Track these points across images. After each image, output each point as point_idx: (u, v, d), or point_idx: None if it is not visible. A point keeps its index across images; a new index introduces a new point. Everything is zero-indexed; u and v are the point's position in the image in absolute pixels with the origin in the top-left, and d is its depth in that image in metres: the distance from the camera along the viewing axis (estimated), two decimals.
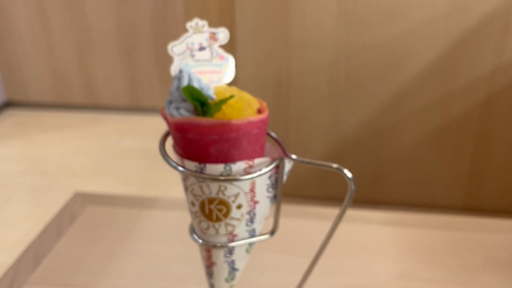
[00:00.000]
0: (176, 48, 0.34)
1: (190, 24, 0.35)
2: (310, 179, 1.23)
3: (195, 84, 0.31)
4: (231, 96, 0.30)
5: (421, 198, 1.22)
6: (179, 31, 2.11)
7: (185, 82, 0.31)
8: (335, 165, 0.33)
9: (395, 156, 1.18)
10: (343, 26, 1.07)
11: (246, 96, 0.32)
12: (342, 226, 0.54)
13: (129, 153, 2.00)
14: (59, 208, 0.58)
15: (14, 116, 2.43)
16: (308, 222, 0.55)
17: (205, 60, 0.35)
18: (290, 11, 1.06)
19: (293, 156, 0.34)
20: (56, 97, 2.44)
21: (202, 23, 0.35)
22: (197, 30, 0.35)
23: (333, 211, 0.58)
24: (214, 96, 0.32)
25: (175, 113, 0.31)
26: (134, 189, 1.70)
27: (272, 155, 0.35)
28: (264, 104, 0.34)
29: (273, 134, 0.36)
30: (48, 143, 2.11)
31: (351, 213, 0.57)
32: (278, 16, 1.07)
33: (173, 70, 0.35)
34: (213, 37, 0.35)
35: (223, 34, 0.36)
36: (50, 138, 2.15)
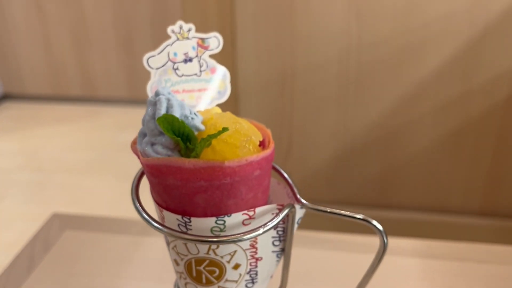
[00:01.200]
0: (153, 60, 0.26)
1: (172, 29, 0.27)
2: (317, 181, 1.16)
3: (176, 112, 0.23)
4: (225, 129, 0.22)
5: (434, 202, 1.14)
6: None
7: (162, 109, 0.23)
8: (360, 216, 0.25)
9: (408, 157, 1.10)
10: (354, 18, 0.98)
11: (245, 125, 0.24)
12: (360, 257, 0.47)
13: (127, 148, 1.94)
14: (32, 234, 0.51)
15: (11, 109, 2.39)
16: (317, 253, 0.47)
17: (192, 75, 0.27)
18: (295, 2, 0.97)
19: (304, 202, 0.26)
20: (53, 89, 2.39)
21: (187, 26, 0.27)
22: (182, 36, 0.27)
23: (345, 238, 0.50)
24: (202, 127, 0.24)
25: (149, 150, 0.23)
26: None
27: (278, 199, 0.27)
28: (268, 133, 0.26)
29: (281, 170, 0.28)
30: (44, 138, 2.07)
31: (371, 239, 0.49)
32: (282, 7, 0.98)
33: (149, 89, 0.27)
34: (202, 44, 0.27)
35: (215, 41, 0.28)
36: (47, 132, 2.11)
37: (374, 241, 0.49)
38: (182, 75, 0.27)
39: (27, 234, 1.31)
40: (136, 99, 2.38)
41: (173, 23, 0.27)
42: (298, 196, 0.26)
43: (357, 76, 1.03)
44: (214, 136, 0.22)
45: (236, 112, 0.94)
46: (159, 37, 2.18)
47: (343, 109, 1.07)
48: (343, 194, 1.16)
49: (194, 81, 0.27)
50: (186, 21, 0.27)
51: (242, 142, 0.23)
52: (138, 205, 0.24)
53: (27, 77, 2.38)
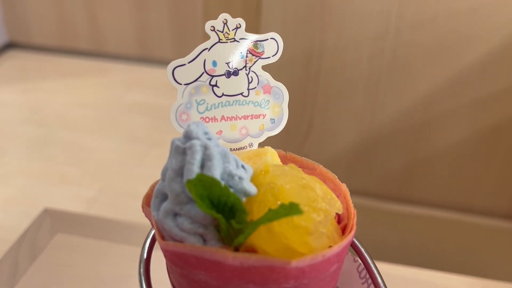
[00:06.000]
0: (182, 71, 0.18)
1: (211, 24, 0.18)
2: (334, 168, 1.07)
3: (216, 168, 0.15)
4: (293, 208, 0.14)
5: (460, 201, 1.07)
6: None
7: (195, 165, 0.14)
8: None
9: (437, 152, 1.02)
10: None
11: (319, 191, 0.16)
12: None
13: (134, 108, 1.87)
14: (17, 236, 0.43)
15: (16, 59, 2.32)
16: None
17: (236, 95, 0.19)
18: None
19: None
20: (60, 41, 2.30)
21: (235, 22, 0.18)
22: (226, 36, 0.18)
23: None
24: (253, 190, 0.15)
25: (170, 224, 0.15)
26: (137, 148, 1.57)
27: (345, 286, 0.19)
28: (344, 190, 0.18)
29: (361, 248, 0.19)
30: (49, 91, 2.00)
31: (423, 274, 0.42)
32: None
33: (174, 117, 0.18)
34: (254, 50, 0.18)
35: (272, 45, 0.19)
36: (52, 85, 2.04)
37: None
38: (223, 94, 0.18)
39: (25, 192, 1.26)
40: (146, 57, 2.30)
41: None
42: (378, 281, 0.18)
43: (392, 59, 0.93)
44: (276, 217, 0.14)
45: None
46: None
47: (372, 94, 0.98)
48: (362, 185, 1.08)
49: (239, 104, 0.19)
50: None
51: (318, 225, 0.15)
52: None
53: (34, 26, 2.29)
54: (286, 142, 0.90)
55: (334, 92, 0.98)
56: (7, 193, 1.37)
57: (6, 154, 1.59)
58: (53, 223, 0.45)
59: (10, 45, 2.50)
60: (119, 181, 1.39)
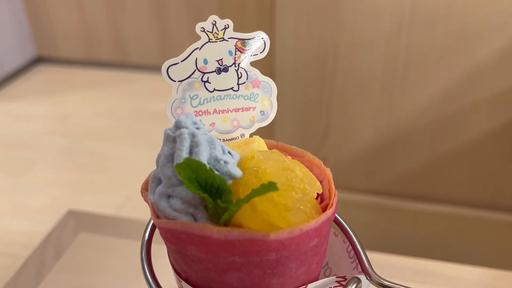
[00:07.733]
0: (176, 69, 0.19)
1: (202, 26, 0.19)
2: (354, 168, 1.08)
3: (203, 153, 0.16)
4: (272, 186, 0.15)
5: (483, 198, 1.05)
6: None
7: (184, 151, 0.16)
8: None
9: (457, 149, 1.01)
10: None
11: (298, 173, 0.17)
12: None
13: (158, 117, 1.92)
14: (43, 237, 0.46)
15: (44, 73, 2.41)
16: None
17: (227, 89, 0.20)
18: None
19: (374, 273, 0.19)
20: (86, 53, 2.38)
21: (222, 23, 0.20)
22: (215, 36, 0.20)
23: None
24: (238, 173, 0.17)
25: (164, 205, 0.17)
26: None
27: (335, 258, 0.20)
28: (328, 174, 0.19)
29: (345, 224, 0.20)
30: (76, 103, 2.07)
31: (434, 265, 0.42)
32: None
33: (169, 111, 0.20)
34: (241, 47, 0.20)
35: (259, 42, 0.20)
36: (79, 97, 2.11)
37: None
38: (214, 89, 0.20)
39: (56, 201, 1.31)
40: None
41: None
42: (366, 263, 0.19)
43: (406, 57, 0.93)
44: (256, 194, 0.15)
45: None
46: (193, 1, 2.12)
47: (389, 93, 0.98)
48: (382, 184, 1.08)
49: (230, 98, 0.20)
50: None
51: (295, 202, 0.16)
52: (149, 278, 0.18)
53: (61, 40, 2.38)
54: (304, 144, 0.91)
55: (350, 92, 0.99)
56: (37, 202, 1.42)
57: (36, 164, 1.65)
58: (76, 223, 0.48)
59: (39, 60, 2.60)
60: None
